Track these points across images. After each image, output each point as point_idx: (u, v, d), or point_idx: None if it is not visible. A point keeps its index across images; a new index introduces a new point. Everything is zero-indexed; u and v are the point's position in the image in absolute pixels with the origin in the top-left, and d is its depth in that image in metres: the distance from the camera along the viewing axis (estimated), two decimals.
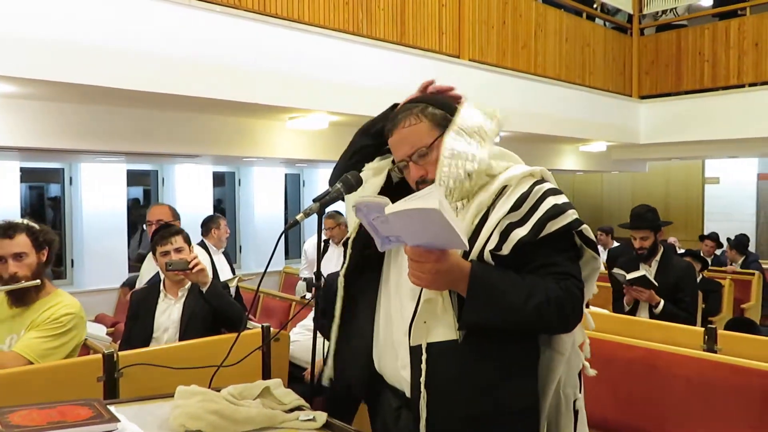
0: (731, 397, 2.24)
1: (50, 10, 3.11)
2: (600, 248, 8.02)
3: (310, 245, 5.87)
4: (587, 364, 1.57)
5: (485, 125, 1.48)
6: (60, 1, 3.14)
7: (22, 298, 2.28)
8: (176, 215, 3.78)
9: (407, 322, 1.43)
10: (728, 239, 7.32)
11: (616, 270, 3.71)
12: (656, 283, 3.51)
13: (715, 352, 2.60)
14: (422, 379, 1.38)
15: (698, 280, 5.10)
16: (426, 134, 1.45)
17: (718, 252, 7.50)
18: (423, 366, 1.38)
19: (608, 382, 2.55)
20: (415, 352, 1.41)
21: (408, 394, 1.43)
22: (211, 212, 6.74)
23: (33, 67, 3.08)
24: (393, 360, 1.48)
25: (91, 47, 3.23)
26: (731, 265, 6.94)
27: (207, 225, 4.86)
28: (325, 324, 1.65)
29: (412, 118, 1.46)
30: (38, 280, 2.28)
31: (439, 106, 1.49)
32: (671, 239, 8.07)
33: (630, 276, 3.53)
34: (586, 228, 1.43)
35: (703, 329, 2.78)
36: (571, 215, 1.39)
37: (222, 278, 4.18)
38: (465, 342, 1.37)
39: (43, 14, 3.09)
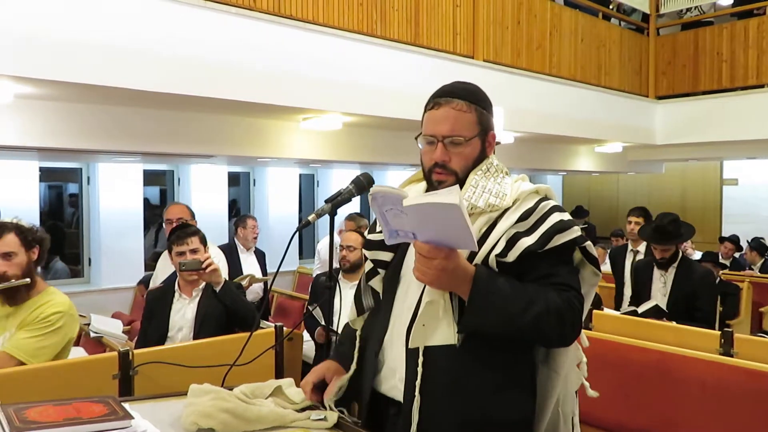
0: (747, 402, 2.22)
1: (68, 12, 3.15)
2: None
3: (323, 245, 5.89)
4: (587, 384, 1.57)
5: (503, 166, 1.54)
6: (78, 3, 3.18)
7: (13, 297, 2.30)
8: (193, 214, 3.84)
9: (404, 332, 1.44)
10: (748, 241, 7.22)
11: (624, 309, 3.70)
12: (666, 311, 3.52)
13: (732, 356, 2.57)
14: (417, 382, 1.39)
15: (716, 282, 5.05)
16: (469, 126, 1.47)
17: (737, 255, 7.40)
18: (419, 369, 1.39)
19: (622, 386, 2.53)
20: (411, 355, 1.42)
21: (401, 399, 1.44)
22: (226, 212, 6.82)
23: (51, 69, 3.12)
24: (390, 377, 1.49)
25: (108, 49, 3.27)
26: (750, 268, 6.85)
27: (235, 225, 4.97)
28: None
29: (465, 104, 1.47)
30: (28, 279, 2.29)
31: (487, 107, 1.52)
32: (684, 243, 7.97)
33: (641, 309, 3.55)
34: (589, 244, 1.46)
35: (719, 332, 2.75)
36: (576, 231, 1.43)
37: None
38: (462, 348, 1.38)
39: (61, 16, 3.13)
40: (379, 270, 1.57)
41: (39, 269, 2.42)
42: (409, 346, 1.42)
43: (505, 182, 1.49)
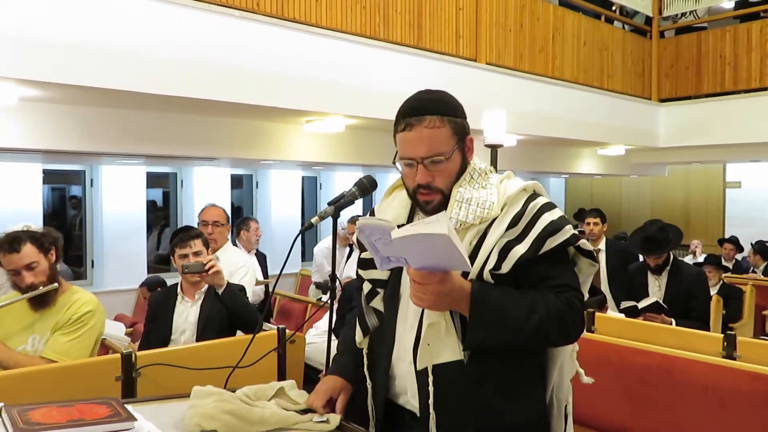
0: (750, 405, 2.21)
1: (72, 15, 3.16)
2: None
3: (318, 250, 5.88)
4: (582, 371, 1.57)
5: (487, 167, 1.50)
6: (82, 6, 3.20)
7: (43, 301, 2.34)
8: (228, 218, 3.86)
9: (410, 351, 1.44)
10: (752, 244, 7.20)
11: (625, 303, 3.72)
12: (666, 307, 3.55)
13: (734, 359, 2.56)
14: (430, 401, 1.39)
15: (719, 285, 5.05)
16: (446, 141, 1.41)
17: (738, 257, 7.38)
18: (430, 388, 1.39)
19: (625, 388, 2.53)
20: (421, 375, 1.41)
21: (418, 414, 1.44)
22: (228, 214, 6.82)
23: (55, 72, 3.14)
24: (403, 393, 1.49)
25: (111, 52, 3.28)
26: (753, 271, 6.83)
27: (237, 227, 4.96)
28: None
29: (437, 120, 1.40)
30: (56, 284, 2.34)
31: (458, 113, 1.46)
32: (694, 242, 7.98)
33: (642, 305, 3.58)
34: (584, 242, 1.45)
35: (722, 336, 2.74)
36: (569, 231, 1.40)
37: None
38: (470, 362, 1.38)
39: (65, 19, 3.14)
40: (378, 290, 1.54)
41: (67, 270, 2.47)
42: (418, 368, 1.41)
43: (491, 184, 1.45)
